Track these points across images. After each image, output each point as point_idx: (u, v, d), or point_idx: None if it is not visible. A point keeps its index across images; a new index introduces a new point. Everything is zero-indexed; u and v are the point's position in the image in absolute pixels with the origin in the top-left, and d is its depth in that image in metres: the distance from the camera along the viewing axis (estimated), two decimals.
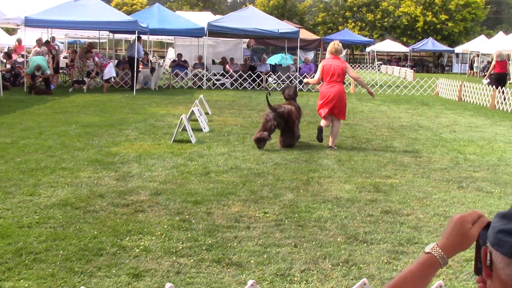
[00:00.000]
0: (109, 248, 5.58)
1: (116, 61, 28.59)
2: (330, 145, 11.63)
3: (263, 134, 11.14)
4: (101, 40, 36.03)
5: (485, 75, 36.91)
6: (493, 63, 23.55)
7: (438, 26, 66.37)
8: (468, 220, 1.70)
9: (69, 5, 23.48)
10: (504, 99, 20.53)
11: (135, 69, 22.92)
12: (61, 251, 5.46)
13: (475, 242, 1.68)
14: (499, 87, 21.23)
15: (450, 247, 1.71)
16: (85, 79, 23.19)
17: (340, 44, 12.17)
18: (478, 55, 48.79)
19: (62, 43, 37.54)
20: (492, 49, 42.43)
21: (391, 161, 10.40)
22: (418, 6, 67.41)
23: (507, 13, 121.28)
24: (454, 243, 1.71)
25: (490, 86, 22.03)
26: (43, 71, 21.03)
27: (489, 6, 79.90)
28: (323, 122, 11.77)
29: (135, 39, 23.99)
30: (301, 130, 12.56)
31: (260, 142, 11.12)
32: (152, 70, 24.97)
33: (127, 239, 5.88)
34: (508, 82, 31.12)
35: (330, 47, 12.01)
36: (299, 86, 20.22)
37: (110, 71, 23.37)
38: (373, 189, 8.26)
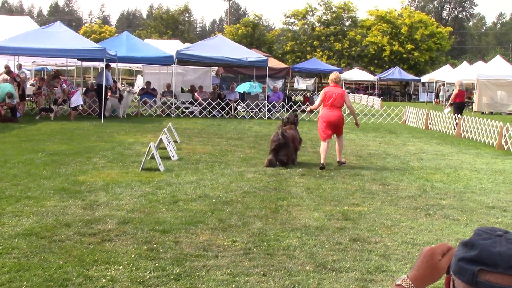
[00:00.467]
0: (74, 279, 5.48)
1: (84, 88, 28.45)
2: (339, 159, 13.25)
3: (272, 160, 12.68)
4: (69, 68, 35.82)
5: (451, 104, 37.57)
6: (455, 92, 24.21)
7: (405, 55, 67.48)
8: (438, 252, 1.71)
9: (36, 32, 23.44)
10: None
11: (103, 97, 22.81)
12: (25, 282, 5.34)
13: (445, 274, 1.70)
14: (458, 115, 22.20)
15: (420, 279, 1.72)
16: (52, 106, 22.97)
17: (340, 75, 13.98)
18: (443, 84, 49.65)
19: (29, 70, 37.24)
20: (456, 79, 43.28)
21: (360, 189, 10.45)
22: (384, 36, 68.51)
23: (471, 44, 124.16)
24: (424, 275, 1.72)
25: (455, 114, 22.50)
26: (14, 98, 20.85)
27: (453, 37, 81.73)
28: (323, 146, 12.93)
29: (103, 67, 23.95)
30: (265, 158, 12.91)
31: (272, 165, 12.54)
32: (120, 98, 24.87)
33: (93, 269, 5.78)
34: (467, 110, 31.76)
35: (332, 76, 13.35)
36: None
37: (77, 99, 23.22)
38: (342, 217, 8.28)
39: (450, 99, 25.07)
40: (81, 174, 10.85)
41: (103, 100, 22.86)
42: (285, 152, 12.79)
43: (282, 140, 12.77)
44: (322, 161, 12.73)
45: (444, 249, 1.72)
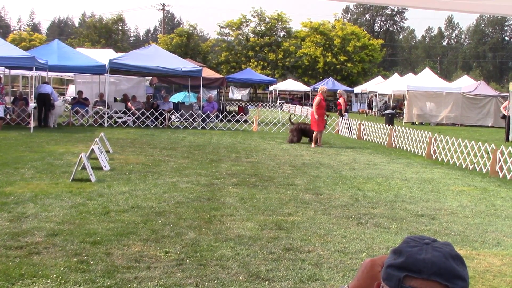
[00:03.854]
0: None
1: (12, 97, 27.70)
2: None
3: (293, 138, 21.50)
4: None
5: (383, 115, 38.57)
6: (341, 100, 27.06)
7: (338, 66, 68.74)
8: (378, 264, 1.76)
9: None
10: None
11: (31, 107, 22.29)
12: None
13: None
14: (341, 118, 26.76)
15: None
16: None
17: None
18: (376, 95, 50.72)
19: None
20: (388, 89, 44.41)
21: (293, 199, 10.51)
22: (318, 47, 69.57)
23: (401, 56, 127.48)
24: (364, 285, 1.76)
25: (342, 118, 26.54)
26: None
27: (385, 49, 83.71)
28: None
29: (40, 77, 23.66)
30: (204, 168, 13.14)
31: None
32: (51, 107, 24.30)
33: (19, 283, 5.59)
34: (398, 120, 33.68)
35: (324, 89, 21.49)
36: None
37: None
38: (275, 226, 8.29)
39: (344, 106, 27.39)
40: (8, 185, 10.51)
41: (31, 109, 22.34)
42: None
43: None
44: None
45: (384, 260, 1.75)
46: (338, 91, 29.02)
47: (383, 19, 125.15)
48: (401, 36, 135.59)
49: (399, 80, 46.54)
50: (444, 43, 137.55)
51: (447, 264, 1.52)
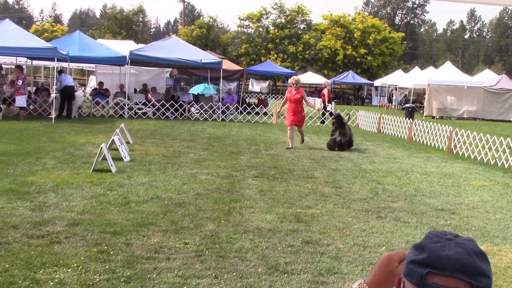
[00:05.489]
0: (21, 282, 5.34)
1: (34, 88, 27.92)
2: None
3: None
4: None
5: (403, 108, 38.39)
6: (326, 91, 28.36)
7: (358, 59, 68.40)
8: (395, 259, 1.75)
9: None
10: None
11: (52, 97, 22.45)
12: None
13: None
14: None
15: (376, 284, 1.75)
16: (0, 106, 22.46)
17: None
18: (396, 89, 50.41)
19: None
20: (409, 83, 44.10)
21: (312, 192, 10.50)
22: (338, 40, 69.26)
23: (422, 49, 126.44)
24: (380, 280, 1.75)
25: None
26: None
27: (405, 42, 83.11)
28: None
29: (61, 69, 23.91)
30: (223, 160, 13.26)
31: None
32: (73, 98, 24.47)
33: (41, 272, 5.65)
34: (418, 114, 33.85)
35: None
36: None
37: (21, 101, 22.54)
38: (294, 219, 8.29)
39: (327, 97, 28.59)
40: (30, 175, 10.61)
41: (52, 100, 22.54)
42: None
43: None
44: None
45: (401, 256, 1.75)
46: (323, 82, 29.95)
47: (404, 12, 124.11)
48: (422, 29, 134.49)
49: (420, 74, 46.17)
50: (466, 36, 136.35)
51: (470, 261, 1.50)
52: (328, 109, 27.60)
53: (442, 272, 1.50)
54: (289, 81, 18.40)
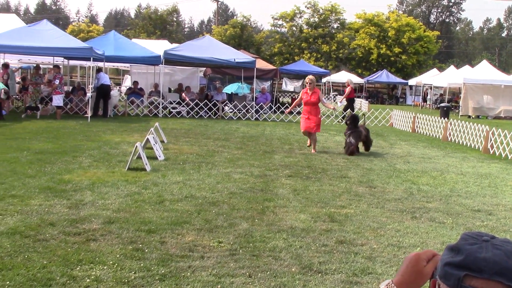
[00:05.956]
0: (58, 278, 5.43)
1: (71, 87, 28.30)
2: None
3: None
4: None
5: (438, 108, 38.00)
6: (348, 89, 28.00)
7: (392, 58, 67.83)
8: (423, 258, 1.71)
9: (23, 30, 23.27)
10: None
11: (88, 97, 22.73)
12: (8, 282, 5.28)
13: (429, 280, 1.69)
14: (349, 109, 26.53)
15: (404, 284, 1.72)
16: (38, 105, 22.82)
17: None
18: (431, 88, 49.88)
19: (16, 68, 36.94)
20: (444, 82, 43.59)
21: (346, 191, 10.45)
22: (372, 39, 68.79)
23: (458, 48, 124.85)
24: (408, 280, 1.71)
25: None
26: (8, 95, 20.83)
27: (440, 41, 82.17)
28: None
29: (99, 68, 24.28)
30: (257, 159, 13.37)
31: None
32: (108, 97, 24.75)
33: (77, 268, 5.73)
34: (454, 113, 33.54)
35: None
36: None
37: (57, 100, 22.86)
38: (328, 219, 8.27)
39: (344, 95, 28.90)
40: (67, 173, 10.77)
41: (89, 99, 22.83)
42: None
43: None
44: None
45: (429, 255, 1.72)
46: (346, 80, 30.19)
47: (439, 10, 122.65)
48: (457, 28, 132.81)
49: (455, 73, 45.61)
50: (503, 34, 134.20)
51: (509, 263, 1.47)
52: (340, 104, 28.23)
53: (480, 275, 1.47)
54: (305, 80, 16.67)
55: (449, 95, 47.80)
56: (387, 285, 1.73)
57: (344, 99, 29.02)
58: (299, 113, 17.67)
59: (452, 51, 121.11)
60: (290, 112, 20.57)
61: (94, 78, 24.72)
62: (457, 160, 15.78)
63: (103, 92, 24.23)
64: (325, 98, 18.53)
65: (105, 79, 24.67)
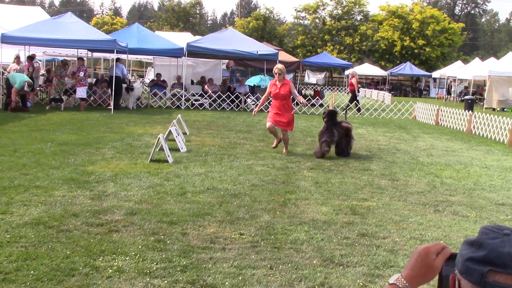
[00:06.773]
0: (81, 269, 5.48)
1: (94, 79, 28.49)
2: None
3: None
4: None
5: (462, 100, 37.63)
6: (354, 81, 27.78)
7: (416, 51, 67.26)
8: (432, 252, 1.69)
9: (47, 22, 23.44)
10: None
11: (112, 88, 22.80)
12: (32, 271, 5.34)
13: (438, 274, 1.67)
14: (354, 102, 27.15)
15: (414, 278, 1.69)
16: (62, 97, 23.01)
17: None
18: (455, 80, 49.39)
19: (40, 60, 37.30)
20: (468, 74, 43.12)
21: (368, 184, 10.40)
22: (395, 31, 68.27)
23: (483, 40, 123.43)
24: (418, 274, 1.69)
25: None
26: (32, 87, 21.02)
27: (465, 33, 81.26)
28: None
29: (114, 59, 24.11)
30: (279, 152, 13.26)
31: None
32: (130, 89, 24.84)
33: (100, 259, 5.78)
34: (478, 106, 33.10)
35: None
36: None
37: (81, 92, 23.00)
38: (350, 211, 8.24)
39: (356, 88, 28.22)
40: (90, 164, 10.85)
41: (112, 91, 22.91)
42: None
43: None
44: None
45: (438, 248, 1.69)
46: (351, 72, 30.04)
47: (464, 1, 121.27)
48: (483, 20, 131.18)
49: (480, 65, 45.07)
50: None
51: None
52: (358, 98, 28.11)
53: (505, 270, 1.44)
54: (273, 70, 13.84)
55: (474, 88, 47.28)
56: (396, 279, 1.71)
57: (351, 91, 28.89)
58: (321, 105, 17.20)
59: (477, 43, 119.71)
60: (313, 105, 19.64)
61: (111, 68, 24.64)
62: (481, 153, 15.63)
63: (115, 83, 23.05)
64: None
65: (117, 70, 24.13)
